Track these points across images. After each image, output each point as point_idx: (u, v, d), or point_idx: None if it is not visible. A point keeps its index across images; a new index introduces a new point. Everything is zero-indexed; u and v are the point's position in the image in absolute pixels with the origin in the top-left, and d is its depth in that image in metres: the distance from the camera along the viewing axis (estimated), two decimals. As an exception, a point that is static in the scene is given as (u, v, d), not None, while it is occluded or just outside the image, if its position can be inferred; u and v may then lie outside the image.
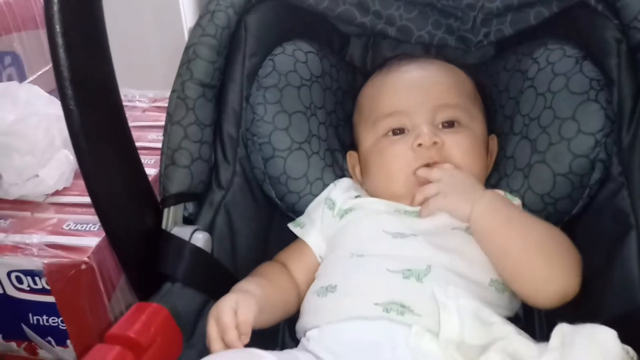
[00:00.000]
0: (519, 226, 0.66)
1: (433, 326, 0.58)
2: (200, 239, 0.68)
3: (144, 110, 1.22)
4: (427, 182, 0.71)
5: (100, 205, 0.60)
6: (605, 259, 0.66)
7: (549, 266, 0.63)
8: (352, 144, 0.85)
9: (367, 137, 0.78)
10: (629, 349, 0.53)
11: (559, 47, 0.74)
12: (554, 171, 0.70)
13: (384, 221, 0.71)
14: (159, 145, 1.02)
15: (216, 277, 0.70)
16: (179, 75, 0.72)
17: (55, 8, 0.51)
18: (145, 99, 1.25)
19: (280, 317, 0.72)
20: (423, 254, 0.65)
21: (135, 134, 1.14)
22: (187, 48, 0.74)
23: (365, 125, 0.79)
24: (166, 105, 1.14)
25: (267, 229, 0.82)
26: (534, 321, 0.75)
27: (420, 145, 0.71)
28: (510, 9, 0.82)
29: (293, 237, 0.85)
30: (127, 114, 1.20)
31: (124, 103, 1.24)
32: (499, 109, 0.81)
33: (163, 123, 1.12)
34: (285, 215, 0.83)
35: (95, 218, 0.86)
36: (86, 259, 0.79)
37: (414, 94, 0.76)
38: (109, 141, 0.59)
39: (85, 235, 0.83)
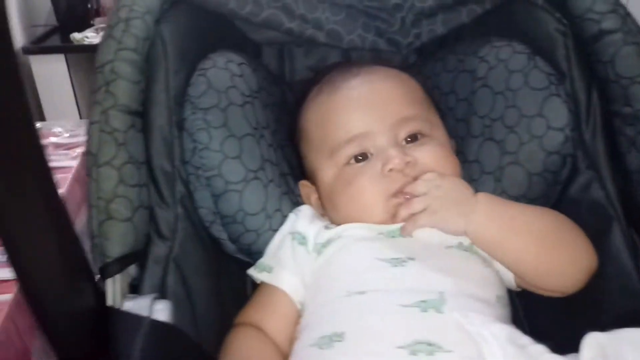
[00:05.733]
0: (526, 221, 0.62)
1: None
2: (162, 310, 0.53)
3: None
4: (411, 198, 0.64)
5: (30, 282, 0.42)
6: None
7: (571, 249, 0.61)
8: (300, 170, 0.75)
9: (326, 169, 0.69)
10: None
11: (505, 44, 0.72)
12: (529, 171, 0.68)
13: (372, 247, 0.62)
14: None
15: (183, 355, 0.55)
16: (96, 102, 0.56)
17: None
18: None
19: None
20: (429, 281, 0.58)
21: None
22: (100, 67, 0.58)
23: (319, 157, 0.70)
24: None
25: (219, 280, 0.68)
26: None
27: (391, 169, 0.64)
28: (443, 7, 0.79)
29: (244, 283, 0.73)
30: None
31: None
32: (448, 112, 0.77)
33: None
34: (232, 258, 0.71)
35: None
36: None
37: (369, 113, 0.67)
38: (34, 200, 0.42)
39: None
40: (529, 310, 0.71)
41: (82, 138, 1.00)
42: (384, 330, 0.54)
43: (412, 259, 0.60)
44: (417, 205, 0.62)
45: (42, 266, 0.43)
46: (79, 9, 2.13)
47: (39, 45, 1.97)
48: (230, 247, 0.68)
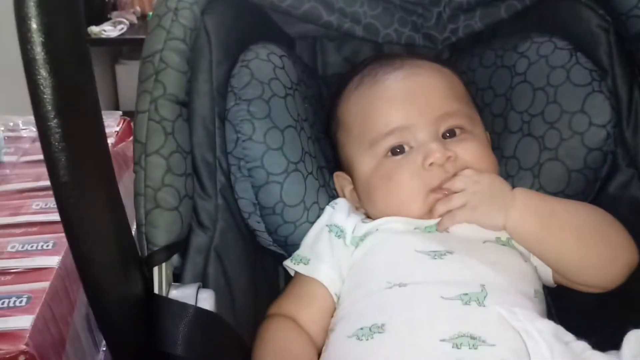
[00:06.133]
0: (565, 215, 0.62)
1: (512, 356, 0.51)
2: (206, 299, 0.53)
3: (34, 140, 0.98)
4: (449, 194, 0.63)
5: (91, 270, 0.42)
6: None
7: (611, 244, 0.61)
8: (335, 162, 0.75)
9: (365, 160, 0.68)
10: None
11: (546, 39, 0.72)
12: (569, 168, 0.67)
13: (410, 240, 0.62)
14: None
15: (226, 344, 0.56)
16: (145, 91, 0.56)
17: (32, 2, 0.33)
18: (32, 126, 1.00)
19: None
20: (470, 273, 0.58)
21: (27, 170, 0.92)
22: (149, 56, 0.57)
23: (358, 147, 0.69)
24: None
25: (255, 271, 0.68)
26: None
27: (432, 164, 0.64)
28: (481, 2, 0.78)
29: (277, 274, 0.73)
30: (14, 146, 0.97)
31: (6, 133, 1.00)
32: (485, 107, 0.77)
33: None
34: (266, 250, 0.71)
35: (21, 287, 0.66)
36: (24, 346, 0.58)
37: (412, 106, 0.67)
38: (96, 186, 0.42)
39: (13, 313, 0.62)
40: (561, 308, 0.71)
41: (110, 129, 1.00)
42: (426, 322, 0.54)
43: (450, 252, 0.60)
44: (456, 201, 0.62)
45: (100, 253, 0.43)
46: (97, 2, 2.14)
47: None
48: (266, 239, 0.68)
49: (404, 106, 0.67)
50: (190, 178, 0.58)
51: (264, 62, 0.67)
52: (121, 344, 0.47)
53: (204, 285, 0.58)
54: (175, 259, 0.57)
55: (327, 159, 0.75)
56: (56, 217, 0.56)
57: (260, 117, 0.63)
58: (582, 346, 0.54)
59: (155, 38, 0.58)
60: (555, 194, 0.68)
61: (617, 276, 0.61)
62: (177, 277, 0.58)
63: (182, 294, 0.52)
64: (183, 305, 0.52)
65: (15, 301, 0.63)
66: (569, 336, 0.54)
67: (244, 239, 0.66)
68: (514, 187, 0.69)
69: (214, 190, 0.63)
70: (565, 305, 0.71)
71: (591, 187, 0.68)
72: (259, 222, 0.66)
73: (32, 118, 0.98)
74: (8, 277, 0.67)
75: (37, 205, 0.81)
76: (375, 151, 0.67)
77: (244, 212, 0.66)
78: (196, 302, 0.52)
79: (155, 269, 0.53)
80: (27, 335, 0.60)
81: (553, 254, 0.61)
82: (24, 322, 0.61)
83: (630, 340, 0.53)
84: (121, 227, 0.47)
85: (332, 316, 0.63)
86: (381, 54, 0.81)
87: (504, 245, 0.63)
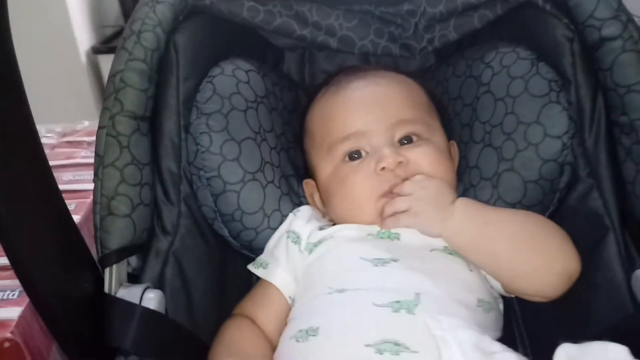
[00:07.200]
0: (499, 226, 0.63)
1: None
2: (152, 299, 0.58)
3: (53, 147, 1.07)
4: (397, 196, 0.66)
5: (26, 272, 0.48)
6: (586, 265, 0.64)
7: (545, 252, 0.61)
8: (305, 170, 0.79)
9: (324, 165, 0.72)
10: (643, 364, 0.51)
11: (511, 49, 0.72)
12: (524, 178, 0.67)
13: (359, 248, 0.65)
14: (78, 186, 0.90)
15: (174, 341, 0.61)
16: (106, 108, 0.62)
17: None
18: (52, 134, 1.10)
19: None
20: (408, 281, 0.60)
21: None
22: (112, 76, 0.63)
23: (319, 153, 0.73)
24: (78, 139, 1.01)
25: (221, 273, 0.73)
26: (515, 335, 0.72)
27: (383, 168, 0.66)
28: (453, 13, 0.79)
29: (250, 277, 0.77)
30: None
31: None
32: (455, 117, 0.78)
33: (77, 161, 0.99)
34: (239, 253, 0.75)
35: (14, 282, 0.74)
36: (9, 335, 0.66)
37: (369, 113, 0.69)
38: (32, 197, 0.48)
39: (4, 305, 0.70)
40: (527, 316, 0.72)
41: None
42: (355, 327, 0.56)
43: (395, 260, 0.62)
44: (400, 204, 0.64)
45: (35, 252, 0.49)
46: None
47: (107, 45, 2.10)
48: (233, 243, 0.73)
49: (361, 113, 0.70)
50: (146, 187, 0.63)
51: (228, 77, 0.71)
52: (65, 337, 0.53)
53: (161, 286, 0.63)
54: (134, 261, 0.63)
55: (297, 168, 0.78)
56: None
57: (218, 130, 0.68)
58: (509, 357, 0.54)
59: (118, 60, 0.64)
60: (512, 204, 0.68)
61: (556, 284, 0.61)
62: (137, 278, 0.63)
63: (129, 293, 0.58)
64: (129, 304, 0.57)
65: (8, 294, 0.71)
66: (497, 347, 0.55)
67: (207, 243, 0.71)
68: (475, 196, 0.70)
69: (177, 198, 0.68)
70: (530, 313, 0.71)
71: (549, 198, 0.68)
72: (222, 228, 0.71)
73: (54, 126, 1.06)
74: (7, 273, 0.76)
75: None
76: (332, 156, 0.70)
77: (209, 219, 0.71)
78: (141, 302, 0.57)
79: (107, 270, 0.59)
80: (14, 324, 0.67)
81: (487, 263, 0.62)
82: (12, 313, 0.68)
83: (558, 355, 0.53)
84: (67, 234, 0.53)
85: (287, 317, 0.66)
86: (349, 66, 0.83)
87: (450, 254, 0.64)
